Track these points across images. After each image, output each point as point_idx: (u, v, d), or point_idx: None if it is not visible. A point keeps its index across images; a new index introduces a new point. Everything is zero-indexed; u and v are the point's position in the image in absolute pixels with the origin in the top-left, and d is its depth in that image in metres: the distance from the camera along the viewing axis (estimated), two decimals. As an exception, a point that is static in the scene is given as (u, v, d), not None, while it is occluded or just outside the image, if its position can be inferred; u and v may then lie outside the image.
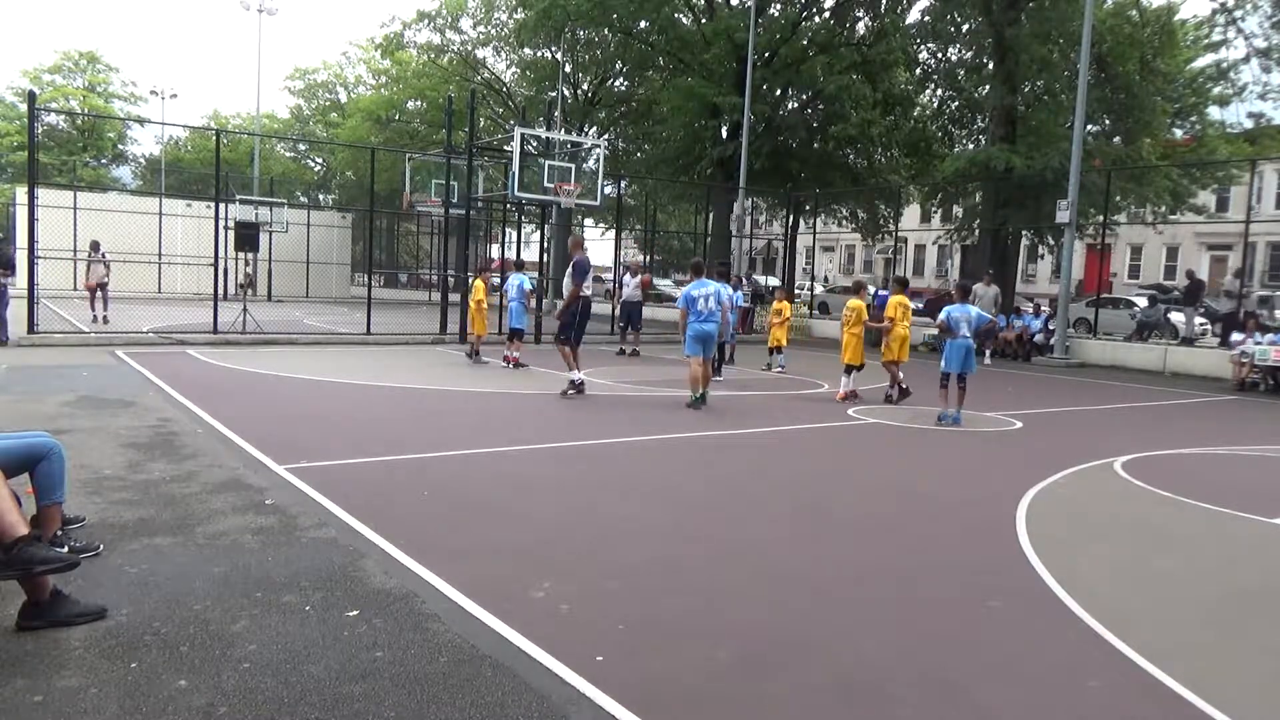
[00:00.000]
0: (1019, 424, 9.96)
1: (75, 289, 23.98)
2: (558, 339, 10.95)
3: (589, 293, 10.94)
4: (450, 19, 41.96)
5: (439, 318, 19.12)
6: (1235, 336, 15.91)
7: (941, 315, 9.84)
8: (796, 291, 31.76)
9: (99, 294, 18.52)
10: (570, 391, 10.54)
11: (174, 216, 30.61)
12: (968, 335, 9.62)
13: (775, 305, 15.66)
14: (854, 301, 11.65)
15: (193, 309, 21.93)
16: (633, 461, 7.29)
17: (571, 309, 10.68)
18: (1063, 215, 18.74)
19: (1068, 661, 3.57)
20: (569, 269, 10.92)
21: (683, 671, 3.34)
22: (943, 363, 9.74)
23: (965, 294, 10.26)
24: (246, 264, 31.79)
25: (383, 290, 38.43)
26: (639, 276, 17.53)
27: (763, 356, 15.55)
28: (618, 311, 17.72)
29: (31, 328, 14.24)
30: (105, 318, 18.12)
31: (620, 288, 17.70)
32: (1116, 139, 24.26)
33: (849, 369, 11.42)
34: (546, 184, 17.73)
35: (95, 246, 18.89)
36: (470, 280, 16.59)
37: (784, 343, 15.27)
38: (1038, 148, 22.44)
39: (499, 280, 19.39)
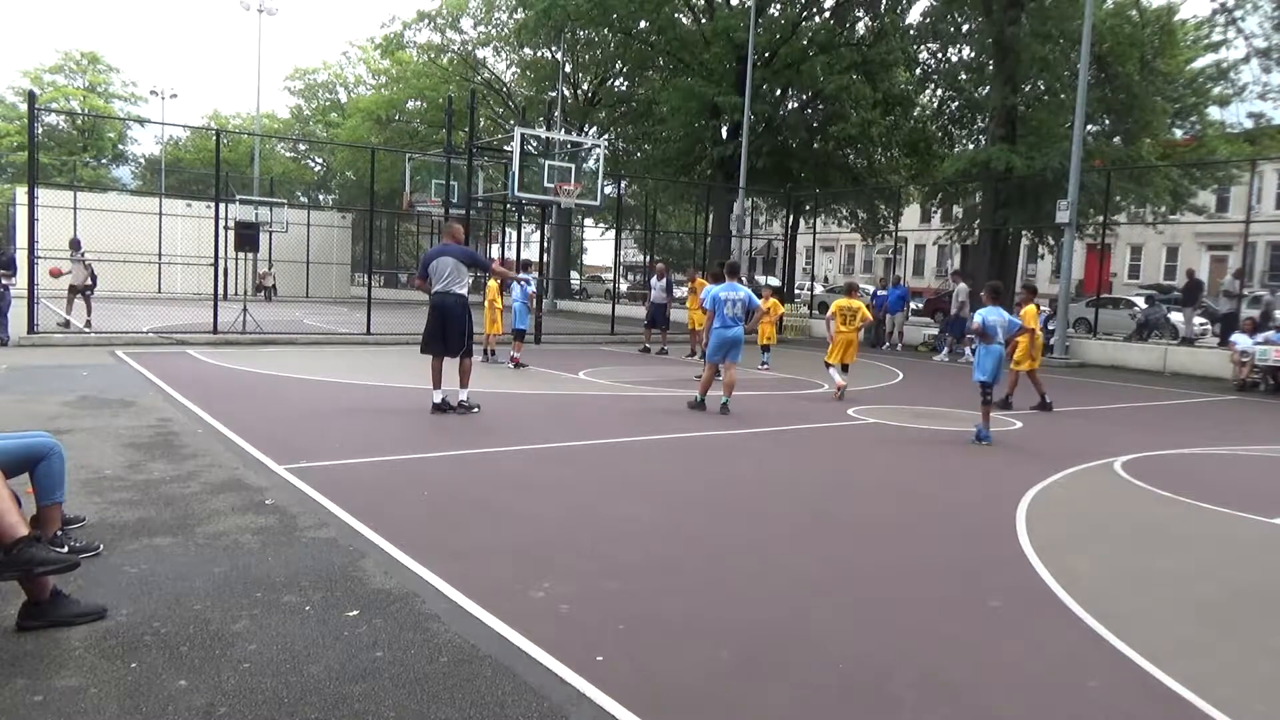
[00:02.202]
0: (1019, 424, 9.96)
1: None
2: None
3: (441, 288, 8.87)
4: (450, 19, 42.01)
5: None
6: (1238, 336, 15.84)
7: (976, 319, 9.20)
8: (797, 291, 31.79)
9: (79, 296, 17.11)
10: (469, 410, 9.00)
11: (174, 217, 30.61)
12: (1002, 341, 8.98)
13: (764, 304, 15.64)
14: (853, 301, 12.08)
15: (193, 309, 21.91)
16: (633, 461, 7.28)
17: (435, 314, 8.96)
18: (1063, 215, 18.73)
19: (1068, 661, 3.57)
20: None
21: (683, 671, 3.34)
22: (976, 371, 9.01)
23: (997, 296, 9.36)
24: (267, 268, 31.92)
25: (383, 290, 38.43)
26: (664, 279, 17.74)
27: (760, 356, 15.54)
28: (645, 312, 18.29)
29: (31, 328, 14.24)
30: (68, 321, 16.37)
31: (649, 290, 18.23)
32: (1116, 139, 24.27)
33: (846, 367, 11.77)
34: (546, 184, 17.75)
35: (75, 245, 17.34)
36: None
37: (772, 340, 15.35)
38: (1038, 148, 22.44)
39: None
